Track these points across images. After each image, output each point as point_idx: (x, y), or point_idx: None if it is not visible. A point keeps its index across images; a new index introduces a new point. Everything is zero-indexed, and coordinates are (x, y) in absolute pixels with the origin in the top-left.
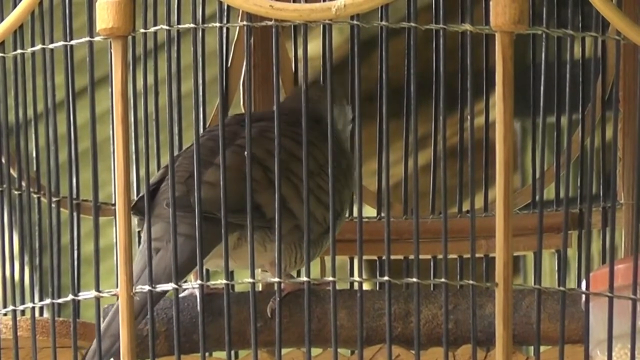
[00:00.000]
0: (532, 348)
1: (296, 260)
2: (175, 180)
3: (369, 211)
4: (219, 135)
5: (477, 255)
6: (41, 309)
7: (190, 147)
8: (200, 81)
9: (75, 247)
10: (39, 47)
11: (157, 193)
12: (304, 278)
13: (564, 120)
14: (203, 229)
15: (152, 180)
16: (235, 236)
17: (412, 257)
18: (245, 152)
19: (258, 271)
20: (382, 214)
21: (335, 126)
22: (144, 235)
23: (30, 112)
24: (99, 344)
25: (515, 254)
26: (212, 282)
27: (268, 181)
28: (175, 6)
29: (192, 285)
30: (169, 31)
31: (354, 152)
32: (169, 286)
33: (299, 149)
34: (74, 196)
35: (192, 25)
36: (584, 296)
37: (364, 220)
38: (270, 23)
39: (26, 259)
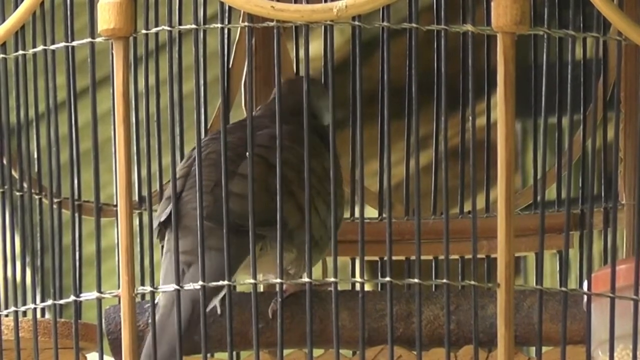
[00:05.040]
0: (533, 349)
1: (305, 265)
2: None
3: (371, 212)
4: (221, 139)
5: (478, 256)
6: (43, 310)
7: (207, 154)
8: (201, 82)
9: (77, 248)
10: (40, 48)
11: (180, 203)
12: (305, 279)
13: (565, 121)
14: (232, 242)
15: (172, 189)
16: (258, 248)
17: (413, 257)
18: (247, 153)
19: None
20: (384, 215)
21: (322, 118)
22: (168, 247)
23: (31, 113)
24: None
25: (516, 254)
26: (213, 283)
27: (288, 192)
28: (177, 7)
29: (193, 286)
30: (170, 32)
31: (355, 153)
32: (171, 287)
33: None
34: (76, 197)
35: (193, 26)
36: (585, 297)
37: (366, 221)
38: (271, 24)
39: (27, 260)
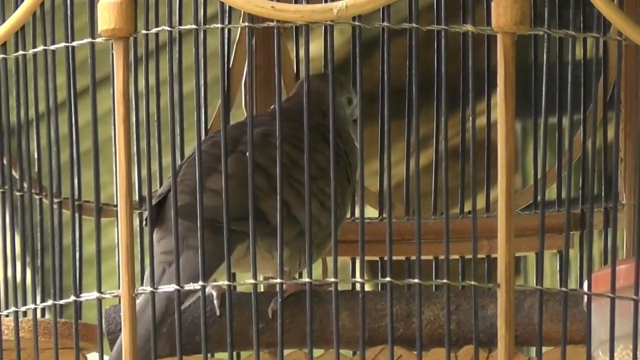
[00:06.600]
0: (534, 349)
1: (300, 264)
2: (182, 190)
3: (371, 212)
4: (221, 140)
5: (479, 256)
6: (43, 310)
7: (194, 154)
8: (201, 82)
9: (77, 248)
10: (40, 48)
11: (165, 205)
12: (305, 279)
13: (565, 121)
14: (211, 240)
15: (160, 191)
16: (244, 246)
17: (413, 258)
18: (247, 153)
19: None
20: (384, 215)
21: (341, 115)
22: (156, 248)
23: (31, 113)
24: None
25: (517, 254)
26: (214, 283)
27: (271, 188)
28: (177, 7)
29: (193, 286)
30: (170, 32)
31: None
32: (171, 287)
33: (301, 154)
34: (76, 197)
35: (193, 26)
36: (585, 297)
37: (366, 221)
38: (271, 24)
39: (28, 260)
